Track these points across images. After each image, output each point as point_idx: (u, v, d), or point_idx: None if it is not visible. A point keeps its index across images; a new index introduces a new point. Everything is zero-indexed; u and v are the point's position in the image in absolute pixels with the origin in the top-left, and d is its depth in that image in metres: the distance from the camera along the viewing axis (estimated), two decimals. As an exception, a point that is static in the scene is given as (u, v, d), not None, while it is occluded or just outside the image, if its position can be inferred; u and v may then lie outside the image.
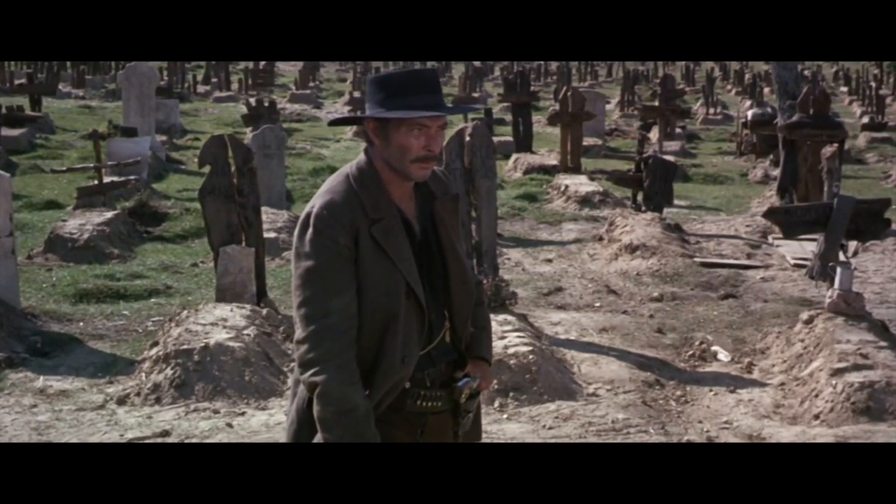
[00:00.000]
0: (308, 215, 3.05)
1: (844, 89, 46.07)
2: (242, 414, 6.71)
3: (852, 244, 10.96)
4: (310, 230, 3.02)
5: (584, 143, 19.98)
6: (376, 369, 3.05)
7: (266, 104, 22.09)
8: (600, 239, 12.86)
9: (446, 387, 3.23)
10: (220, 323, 7.77)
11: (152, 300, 9.74)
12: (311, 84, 41.50)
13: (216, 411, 6.74)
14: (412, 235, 3.15)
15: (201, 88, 39.57)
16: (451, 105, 3.26)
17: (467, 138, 8.75)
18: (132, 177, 14.42)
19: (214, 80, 41.53)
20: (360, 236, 3.02)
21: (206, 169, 8.91)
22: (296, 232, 3.07)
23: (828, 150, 10.45)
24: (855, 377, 6.92)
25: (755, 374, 7.83)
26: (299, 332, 3.04)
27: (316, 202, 3.06)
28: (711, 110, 33.46)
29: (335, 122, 3.47)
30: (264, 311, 8.36)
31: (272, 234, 11.72)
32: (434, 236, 3.22)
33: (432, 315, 3.16)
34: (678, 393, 7.39)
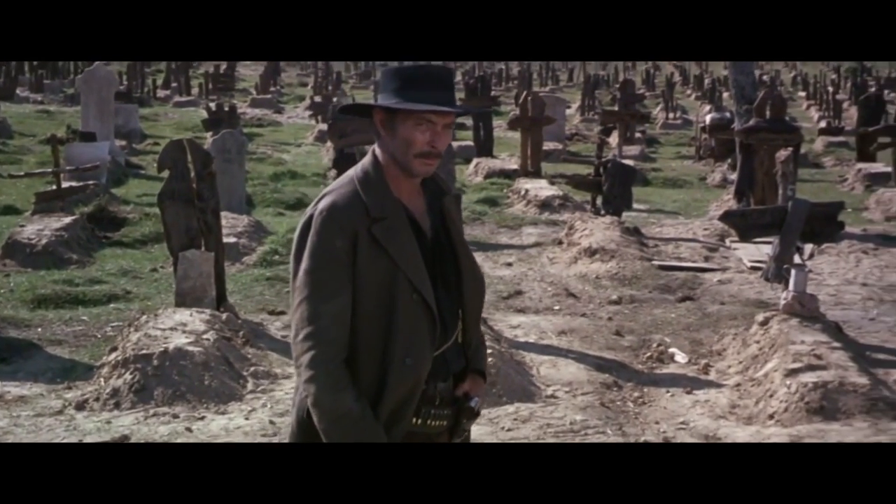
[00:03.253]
0: (309, 217, 3.02)
1: (802, 94, 46.54)
2: (202, 418, 6.70)
3: (808, 247, 11.09)
4: (308, 233, 3.00)
5: (545, 148, 20.09)
6: (382, 374, 2.99)
7: (226, 109, 22.06)
8: (560, 243, 12.95)
9: (452, 405, 3.17)
10: (179, 328, 7.76)
11: (111, 305, 9.70)
12: (273, 89, 41.41)
13: (175, 416, 6.73)
14: (421, 233, 3.10)
15: (161, 93, 39.42)
16: (460, 108, 3.20)
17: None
18: (91, 182, 14.35)
19: (174, 84, 41.37)
20: (360, 237, 2.97)
21: (166, 173, 8.90)
22: (296, 233, 3.05)
23: (782, 153, 10.59)
24: (809, 377, 7.02)
25: (712, 376, 7.92)
26: (292, 336, 3.03)
27: (318, 204, 3.03)
28: (671, 115, 33.74)
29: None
30: (224, 316, 8.35)
31: (232, 239, 11.70)
32: (445, 233, 3.18)
33: (445, 313, 3.10)
34: (636, 394, 7.47)
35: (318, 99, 33.21)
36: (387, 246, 2.98)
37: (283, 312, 9.37)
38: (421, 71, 3.06)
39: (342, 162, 17.93)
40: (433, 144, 3.04)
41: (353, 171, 3.11)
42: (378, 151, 3.11)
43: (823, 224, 8.83)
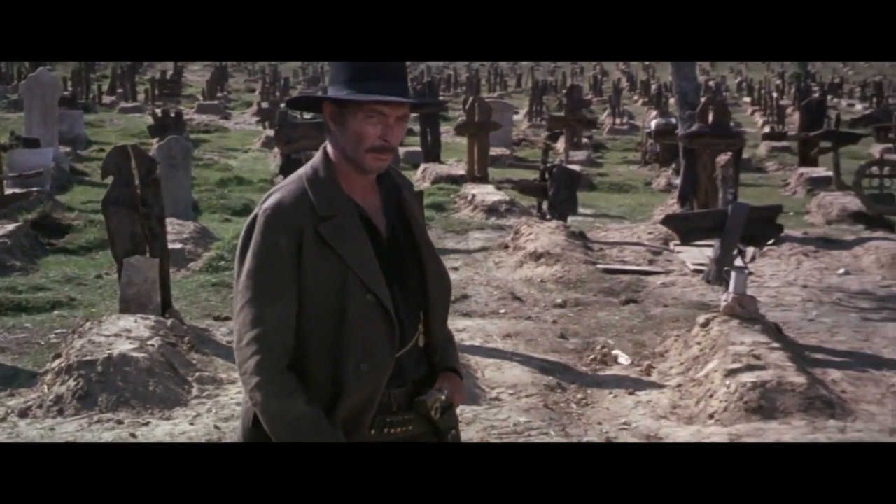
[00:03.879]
0: (254, 216, 2.88)
1: (747, 100, 47.11)
2: (146, 424, 6.69)
3: (750, 250, 11.28)
4: (252, 232, 2.86)
5: (492, 153, 20.20)
6: (336, 382, 2.84)
7: (172, 115, 21.92)
8: (506, 247, 13.04)
9: (411, 409, 2.98)
10: (123, 334, 7.74)
11: (55, 312, 9.64)
12: (220, 94, 41.21)
13: (120, 422, 6.71)
14: (375, 232, 2.94)
15: (107, 99, 39.02)
16: (413, 98, 3.04)
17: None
18: (35, 188, 14.20)
19: (120, 90, 41.02)
20: (305, 237, 2.82)
21: (110, 180, 8.87)
22: (241, 233, 2.91)
23: (722, 158, 10.77)
24: (748, 377, 7.15)
25: (654, 377, 8.03)
26: (235, 341, 2.89)
27: (264, 202, 2.89)
28: (618, 120, 33.99)
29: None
30: (169, 322, 8.34)
31: (178, 245, 11.67)
32: (404, 231, 3.02)
33: (402, 315, 2.93)
34: (579, 396, 7.56)
35: (265, 105, 33.09)
36: (335, 245, 2.84)
37: (228, 318, 9.35)
38: (372, 62, 2.92)
39: (289, 167, 17.92)
40: (385, 138, 2.89)
41: (302, 169, 2.98)
42: (329, 148, 2.98)
43: (762, 227, 9.00)
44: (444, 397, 3.02)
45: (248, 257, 2.85)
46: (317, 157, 2.97)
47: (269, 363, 2.80)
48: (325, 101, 2.96)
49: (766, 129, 30.51)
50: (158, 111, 24.42)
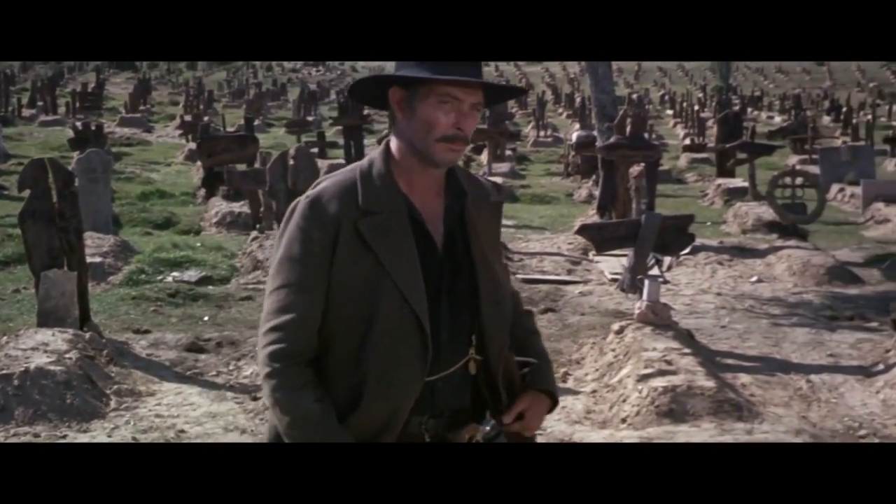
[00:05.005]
0: (296, 203, 2.66)
1: (670, 112, 47.89)
2: (64, 437, 6.68)
3: (667, 259, 11.52)
4: (290, 219, 2.65)
5: (416, 165, 20.31)
6: (356, 391, 2.61)
7: (93, 128, 21.74)
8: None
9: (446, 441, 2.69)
10: (41, 347, 7.70)
11: (-29, 327, 9.54)
12: (143, 107, 40.90)
13: (36, 435, 6.69)
14: (427, 238, 2.65)
15: (27, 112, 38.54)
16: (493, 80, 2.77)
17: (291, 161, 8.91)
18: (-49, 202, 14.04)
19: (40, 103, 40.49)
20: (342, 231, 2.58)
21: (27, 193, 8.82)
22: (284, 216, 2.71)
23: (635, 169, 11.00)
24: (659, 382, 7.34)
25: (569, 384, 8.18)
26: (260, 325, 2.71)
27: (311, 189, 2.68)
28: (542, 133, 34.37)
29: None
30: (87, 335, 8.31)
31: (97, 259, 11.62)
32: (463, 243, 2.70)
33: (444, 336, 2.65)
34: (496, 403, 7.67)
35: (188, 118, 32.91)
36: (373, 244, 2.58)
37: (148, 331, 9.36)
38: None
39: (211, 181, 17.91)
40: (459, 126, 2.59)
41: (362, 161, 2.73)
42: (393, 141, 2.69)
43: (675, 236, 9.22)
44: (488, 429, 2.69)
45: (282, 244, 2.66)
46: (379, 148, 2.71)
47: (282, 354, 2.61)
48: (392, 86, 2.66)
49: (687, 142, 31.07)
50: (79, 124, 24.20)
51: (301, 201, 2.64)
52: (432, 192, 2.68)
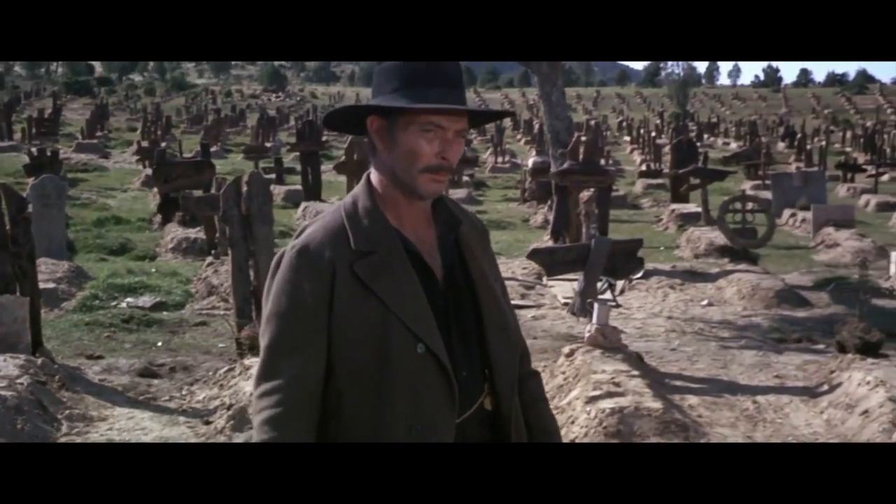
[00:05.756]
0: (282, 253, 2.48)
1: (627, 138, 48.37)
2: (14, 462, 6.68)
3: (619, 283, 11.67)
4: (276, 271, 2.47)
5: (372, 191, 20.39)
6: (385, 441, 2.39)
7: (49, 153, 21.66)
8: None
9: None
10: (-9, 373, 7.70)
11: (-78, 353, 9.49)
12: (100, 133, 40.76)
13: (-14, 460, 6.69)
14: (427, 271, 2.48)
15: (-18, 138, 38.27)
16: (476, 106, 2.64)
17: (244, 187, 8.97)
18: None
19: (-4, 129, 40.25)
20: (338, 278, 2.39)
21: (-21, 219, 8.83)
22: (271, 267, 2.52)
23: (585, 194, 11.15)
24: (607, 404, 7.44)
25: (520, 406, 8.27)
26: (252, 385, 2.52)
27: (295, 238, 2.50)
28: (500, 159, 34.64)
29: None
30: (39, 361, 8.30)
31: (51, 285, 11.60)
32: (462, 271, 2.55)
33: (463, 372, 2.46)
34: (447, 425, 7.74)
35: (145, 144, 32.85)
36: (373, 285, 2.39)
37: (101, 357, 9.37)
38: (424, 66, 2.44)
39: (167, 207, 17.90)
40: (444, 156, 2.43)
41: (343, 201, 2.55)
42: (373, 174, 2.52)
43: (625, 260, 9.37)
44: None
45: (269, 299, 2.47)
46: (360, 185, 2.54)
47: (278, 419, 2.40)
48: (370, 115, 2.49)
49: (643, 168, 31.40)
50: (34, 150, 24.09)
51: (287, 252, 2.46)
52: (422, 223, 2.52)
